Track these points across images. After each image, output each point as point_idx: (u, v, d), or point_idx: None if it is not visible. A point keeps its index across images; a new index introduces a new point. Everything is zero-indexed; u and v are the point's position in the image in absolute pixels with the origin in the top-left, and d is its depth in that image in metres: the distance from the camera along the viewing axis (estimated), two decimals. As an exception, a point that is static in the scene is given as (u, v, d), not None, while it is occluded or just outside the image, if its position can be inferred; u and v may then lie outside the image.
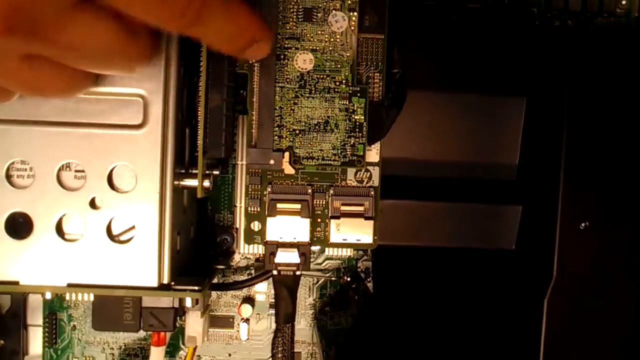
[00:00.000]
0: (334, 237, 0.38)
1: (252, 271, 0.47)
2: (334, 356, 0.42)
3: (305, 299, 0.48)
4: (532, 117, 0.43)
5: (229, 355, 0.48)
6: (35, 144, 0.34)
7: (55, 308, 0.48)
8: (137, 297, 0.46)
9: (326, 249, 0.46)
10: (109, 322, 0.47)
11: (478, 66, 0.43)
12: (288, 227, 0.38)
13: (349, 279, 0.47)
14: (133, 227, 0.35)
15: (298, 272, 0.39)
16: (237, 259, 0.47)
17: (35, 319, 0.48)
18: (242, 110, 0.40)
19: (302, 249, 0.38)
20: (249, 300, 0.48)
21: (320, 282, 0.48)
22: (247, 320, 0.48)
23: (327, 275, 0.48)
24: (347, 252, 0.46)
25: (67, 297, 0.47)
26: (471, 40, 0.42)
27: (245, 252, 0.46)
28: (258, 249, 0.44)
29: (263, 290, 0.48)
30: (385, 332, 0.43)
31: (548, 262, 0.37)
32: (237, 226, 0.45)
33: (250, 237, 0.39)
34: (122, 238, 0.35)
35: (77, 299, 0.48)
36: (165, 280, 0.35)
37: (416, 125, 0.43)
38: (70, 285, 0.35)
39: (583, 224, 0.37)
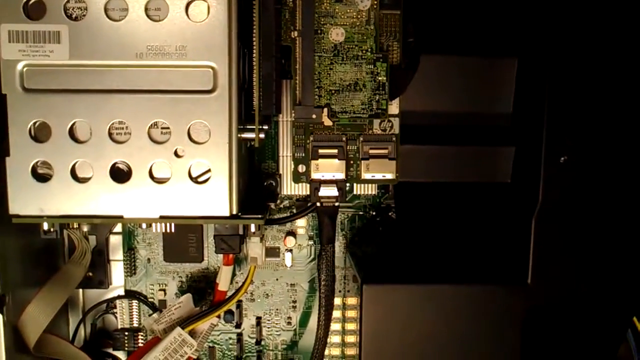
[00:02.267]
0: (364, 175, 0.47)
1: (294, 210, 0.56)
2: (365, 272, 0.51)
3: (338, 232, 0.56)
4: (523, 74, 0.49)
5: (277, 279, 0.58)
6: (130, 107, 0.42)
7: (133, 245, 0.57)
8: (200, 234, 0.56)
9: (354, 190, 0.55)
10: (177, 255, 0.57)
11: (479, 33, 0.50)
12: (328, 167, 0.47)
13: (374, 213, 0.56)
14: (208, 171, 0.43)
15: (337, 204, 0.47)
16: (280, 200, 0.56)
17: (116, 255, 0.58)
18: (284, 75, 0.49)
19: (340, 184, 0.47)
20: (292, 233, 0.57)
21: (350, 216, 0.57)
22: (290, 250, 0.57)
23: (356, 210, 0.57)
24: (372, 191, 0.55)
25: (141, 235, 0.57)
26: (472, 12, 0.49)
27: (288, 193, 0.55)
28: (300, 190, 0.54)
29: (303, 225, 0.57)
30: (405, 251, 0.52)
31: (535, 189, 0.45)
32: (281, 172, 0.54)
33: (298, 178, 0.48)
34: (200, 179, 0.43)
35: (151, 237, 0.57)
36: (235, 211, 0.44)
37: (428, 83, 0.49)
38: (162, 217, 0.43)
39: (563, 158, 0.45)
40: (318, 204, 0.47)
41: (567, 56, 0.45)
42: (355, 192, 0.55)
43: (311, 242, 0.57)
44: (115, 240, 0.58)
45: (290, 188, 0.54)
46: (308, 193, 0.50)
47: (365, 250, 0.57)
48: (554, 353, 0.49)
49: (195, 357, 0.53)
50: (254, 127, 0.45)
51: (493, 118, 0.50)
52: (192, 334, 0.51)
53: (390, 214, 0.55)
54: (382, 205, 0.56)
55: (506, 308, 0.47)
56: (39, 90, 0.42)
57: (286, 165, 0.53)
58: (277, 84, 0.46)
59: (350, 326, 0.58)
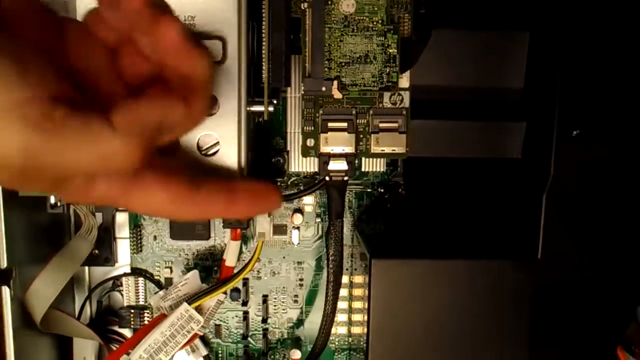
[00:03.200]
0: (374, 149, 0.47)
1: (301, 187, 0.55)
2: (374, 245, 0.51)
3: (346, 210, 0.56)
4: (535, 48, 0.49)
5: (284, 257, 0.57)
6: (138, 78, 0.42)
7: (139, 222, 0.57)
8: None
9: (363, 166, 0.54)
10: (183, 232, 0.56)
11: (491, 6, 0.49)
12: (337, 141, 0.46)
13: (382, 190, 0.56)
14: (217, 143, 0.43)
15: (346, 178, 0.47)
16: (288, 177, 0.56)
17: (122, 232, 0.57)
18: (293, 50, 0.48)
19: (349, 158, 0.46)
20: (299, 211, 0.57)
21: (358, 194, 0.56)
22: (297, 228, 0.57)
23: (363, 188, 0.56)
24: (381, 168, 0.55)
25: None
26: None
27: (296, 170, 0.54)
28: (308, 167, 0.53)
29: (310, 203, 0.57)
30: (415, 226, 0.52)
31: (547, 163, 0.45)
32: (289, 149, 0.54)
33: (307, 151, 0.48)
34: (209, 152, 0.43)
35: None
36: (243, 185, 0.44)
37: (439, 57, 0.49)
38: (170, 190, 0.43)
39: (575, 132, 0.45)
40: (327, 178, 0.47)
41: (579, 29, 0.45)
42: (363, 169, 0.55)
43: (319, 220, 0.57)
44: (122, 218, 0.57)
45: (299, 164, 0.54)
46: (316, 170, 0.49)
47: (373, 227, 0.56)
48: (562, 329, 0.48)
49: (201, 333, 0.53)
50: (263, 100, 0.44)
51: (504, 93, 0.50)
52: (199, 310, 0.51)
53: (399, 190, 0.55)
54: (391, 182, 0.55)
55: (515, 284, 0.47)
56: (46, 61, 0.42)
57: (294, 142, 0.53)
58: (286, 56, 0.45)
59: (357, 304, 0.58)
